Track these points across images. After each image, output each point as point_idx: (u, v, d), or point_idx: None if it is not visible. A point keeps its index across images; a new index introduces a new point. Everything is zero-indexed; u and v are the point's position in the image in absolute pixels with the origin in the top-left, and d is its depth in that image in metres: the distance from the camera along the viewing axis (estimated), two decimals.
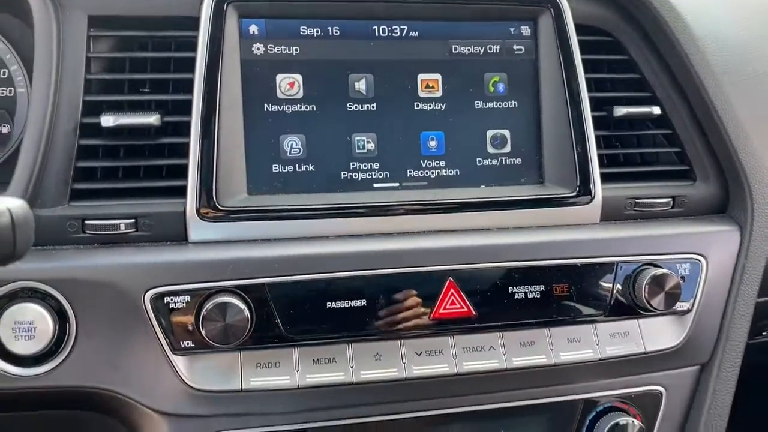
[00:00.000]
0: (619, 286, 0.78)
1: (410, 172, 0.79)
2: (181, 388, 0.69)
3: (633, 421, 0.78)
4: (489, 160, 0.80)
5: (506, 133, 0.81)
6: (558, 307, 0.76)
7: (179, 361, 0.69)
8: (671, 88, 0.85)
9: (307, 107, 0.77)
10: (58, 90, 0.71)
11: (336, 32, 0.78)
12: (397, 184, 0.78)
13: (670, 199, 0.84)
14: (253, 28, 0.76)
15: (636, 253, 0.78)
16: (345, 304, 0.72)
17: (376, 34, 0.79)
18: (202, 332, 0.67)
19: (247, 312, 0.68)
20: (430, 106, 0.79)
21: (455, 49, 0.80)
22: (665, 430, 0.82)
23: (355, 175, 0.77)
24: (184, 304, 0.68)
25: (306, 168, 0.76)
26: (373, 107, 0.78)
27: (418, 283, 0.73)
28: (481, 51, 0.81)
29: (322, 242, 0.73)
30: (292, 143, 0.76)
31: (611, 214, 0.82)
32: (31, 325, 0.66)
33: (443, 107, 0.79)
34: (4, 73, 0.82)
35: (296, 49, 0.76)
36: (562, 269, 0.76)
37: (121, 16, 0.74)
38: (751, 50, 0.87)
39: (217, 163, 0.72)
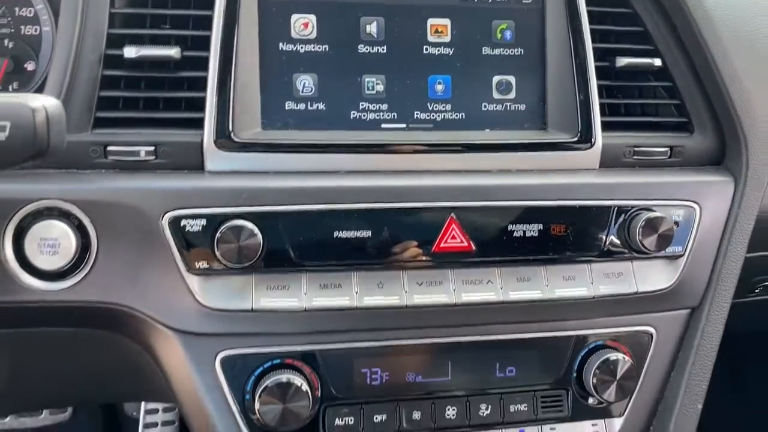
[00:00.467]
0: (614, 229, 0.81)
1: (417, 114, 0.82)
2: (195, 307, 0.73)
3: (623, 358, 0.82)
4: (494, 105, 0.84)
5: (512, 79, 0.84)
6: (554, 247, 0.80)
7: (194, 281, 0.73)
8: (673, 42, 0.87)
9: (319, 48, 0.80)
10: (83, 23, 0.75)
11: None
12: (404, 125, 0.82)
13: (667, 149, 0.87)
14: None
15: (632, 198, 0.81)
16: (351, 234, 0.75)
17: None
18: (217, 253, 0.71)
19: (259, 236, 0.72)
20: (438, 50, 0.82)
21: None
22: (654, 369, 0.86)
23: (364, 115, 0.81)
24: (200, 228, 0.72)
25: (317, 106, 0.80)
26: (383, 50, 0.81)
27: (422, 217, 0.77)
28: None
29: (331, 176, 0.77)
30: (305, 82, 0.80)
31: (610, 161, 0.85)
32: (55, 241, 0.70)
33: (451, 52, 0.82)
34: (30, 12, 0.86)
35: None
36: (560, 210, 0.80)
37: None
38: (753, 6, 0.89)
39: (234, 97, 0.76)
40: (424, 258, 0.78)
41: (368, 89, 0.81)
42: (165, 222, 0.72)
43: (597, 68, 0.84)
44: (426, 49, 0.82)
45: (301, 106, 0.79)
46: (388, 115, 0.81)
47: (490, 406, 0.82)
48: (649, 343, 0.85)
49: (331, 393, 0.78)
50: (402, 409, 0.80)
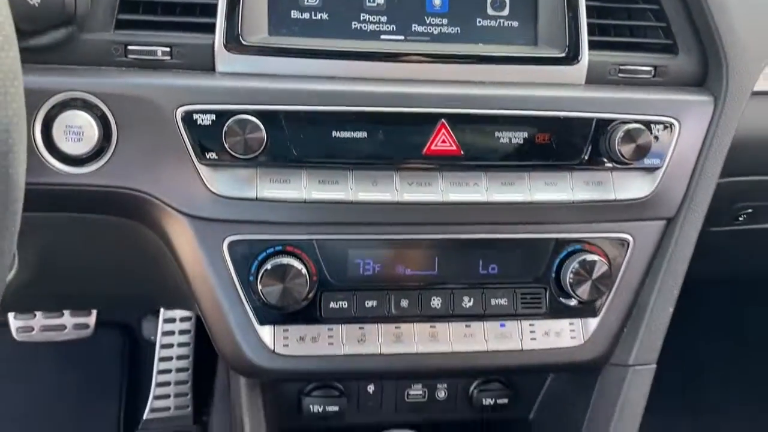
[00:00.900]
0: (595, 140, 0.87)
1: (415, 27, 0.87)
2: (205, 194, 0.80)
3: (600, 260, 0.88)
4: (488, 21, 0.89)
5: None
6: (538, 154, 0.86)
7: (204, 170, 0.80)
8: None
9: None
10: None
11: None
12: (402, 37, 0.87)
13: (651, 69, 0.92)
14: None
15: (614, 112, 0.87)
16: (348, 135, 0.82)
17: None
18: (225, 145, 0.78)
19: (264, 131, 0.78)
20: None
21: None
22: (629, 274, 0.92)
23: (365, 26, 0.86)
24: (210, 122, 0.79)
25: (321, 16, 0.85)
26: None
27: (415, 122, 0.83)
28: None
29: (331, 81, 0.83)
30: None
31: (596, 78, 0.90)
32: (79, 129, 0.78)
33: None
34: None
35: None
36: (545, 121, 0.86)
37: None
38: None
39: (243, 4, 0.82)
40: (415, 160, 0.84)
41: (369, 2, 0.86)
42: (178, 115, 0.79)
43: None
44: None
45: (306, 15, 0.85)
46: (388, 27, 0.87)
47: (472, 299, 0.89)
48: (626, 250, 0.91)
49: (327, 279, 0.85)
50: (391, 297, 0.87)
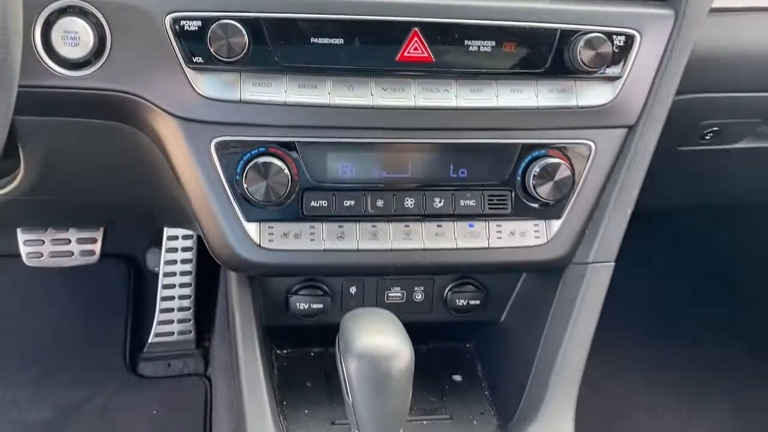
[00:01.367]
0: (559, 49, 0.92)
1: None
2: (193, 96, 0.87)
3: (563, 164, 0.95)
4: None
5: None
6: (505, 62, 0.92)
7: (191, 74, 0.86)
8: None
9: None
10: None
11: None
12: None
13: None
14: None
15: (577, 23, 0.92)
16: (326, 41, 0.88)
17: None
18: (210, 49, 0.84)
19: (245, 36, 0.84)
20: None
21: None
22: (591, 179, 0.98)
23: None
24: (196, 28, 0.85)
25: None
26: None
27: (389, 30, 0.89)
28: None
29: None
30: None
31: None
32: (76, 34, 0.84)
33: None
34: None
35: None
36: (513, 30, 0.91)
37: None
38: None
39: None
40: (389, 67, 0.90)
41: None
42: (167, 22, 0.85)
43: None
44: None
45: None
46: None
47: (443, 200, 0.96)
48: (589, 155, 0.97)
49: (308, 179, 0.92)
50: (367, 197, 0.94)
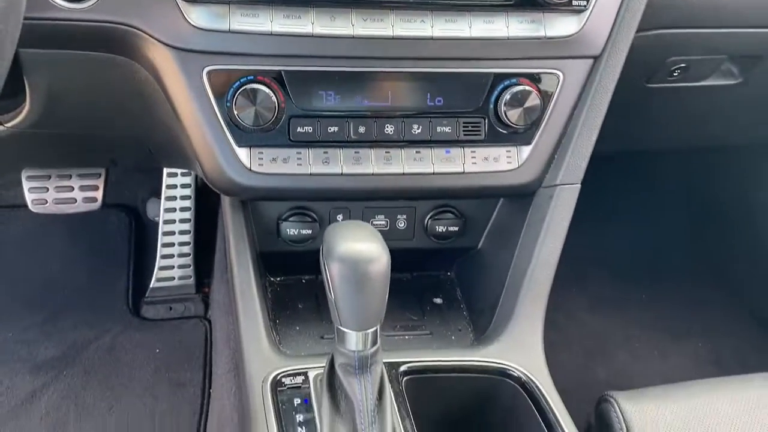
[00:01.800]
0: None
1: None
2: (185, 26, 0.93)
3: (533, 92, 1.02)
4: None
5: None
6: None
7: (184, 5, 0.93)
8: None
9: None
10: None
11: None
12: None
13: None
14: None
15: None
16: None
17: None
18: None
19: None
20: None
21: None
22: (559, 107, 1.05)
23: None
24: None
25: None
26: None
27: None
28: None
29: None
30: None
31: None
32: None
33: None
34: None
35: None
36: None
37: None
38: None
39: None
40: None
41: None
42: None
43: None
44: None
45: None
46: None
47: (420, 127, 1.03)
48: (557, 84, 1.04)
49: (294, 107, 0.99)
50: (350, 123, 1.01)
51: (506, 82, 1.03)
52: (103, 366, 1.76)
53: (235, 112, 0.97)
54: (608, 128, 1.44)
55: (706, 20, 1.15)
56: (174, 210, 1.95)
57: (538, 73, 1.03)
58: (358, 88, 1.01)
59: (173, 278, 1.97)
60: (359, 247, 0.82)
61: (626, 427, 1.06)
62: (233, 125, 0.99)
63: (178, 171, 1.95)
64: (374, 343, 0.85)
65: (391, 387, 0.96)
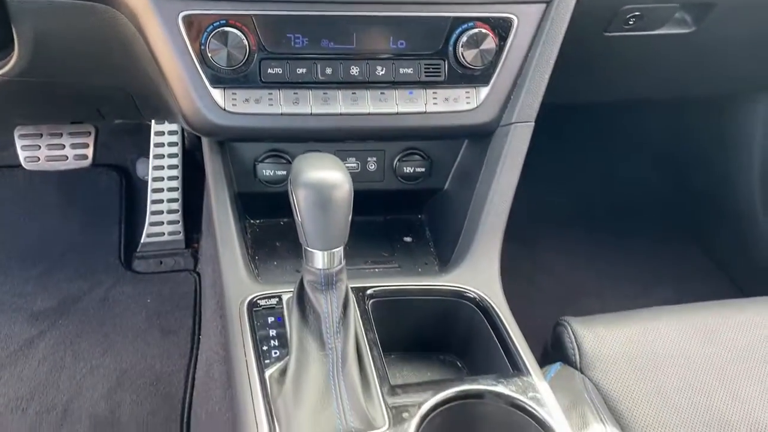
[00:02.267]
0: None
1: None
2: None
3: (489, 35, 1.09)
4: None
5: None
6: None
7: None
8: None
9: None
10: None
11: None
12: None
13: None
14: None
15: None
16: None
17: None
18: None
19: None
20: None
21: None
22: (514, 50, 1.12)
23: None
24: None
25: None
26: None
27: None
28: None
29: None
30: None
31: None
32: None
33: None
34: None
35: None
36: None
37: None
38: None
39: None
40: None
41: None
42: None
43: None
44: None
45: None
46: None
47: (384, 69, 1.10)
48: (511, 28, 1.11)
49: (264, 49, 1.06)
50: (317, 65, 1.08)
51: (464, 26, 1.10)
52: (96, 315, 1.86)
53: (209, 55, 1.04)
54: (575, 80, 1.51)
55: None
56: (162, 168, 2.03)
57: (493, 17, 1.10)
58: (325, 31, 1.08)
59: (163, 234, 2.05)
60: (323, 175, 0.89)
61: (577, 346, 1.15)
62: (207, 67, 1.06)
63: (165, 130, 2.02)
64: (339, 262, 0.93)
65: (358, 308, 1.04)
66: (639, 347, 1.17)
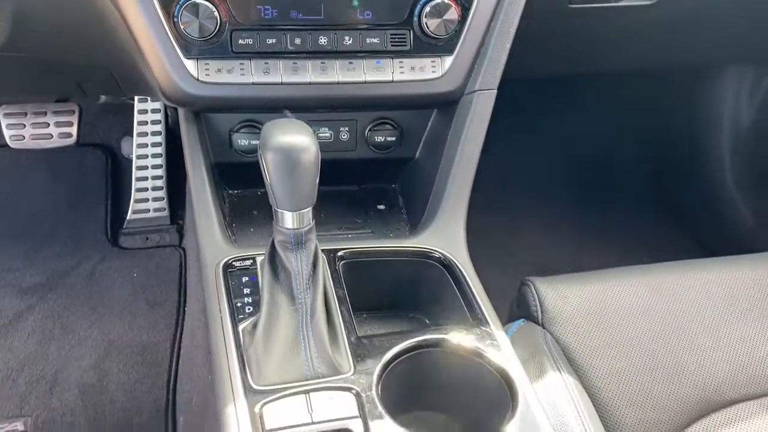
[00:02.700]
0: None
1: None
2: None
3: (452, 7, 1.13)
4: None
5: None
6: None
7: None
8: None
9: None
10: None
11: None
12: None
13: None
14: None
15: None
16: None
17: None
18: None
19: None
20: None
21: None
22: (476, 20, 1.16)
23: None
24: None
25: None
26: None
27: None
28: None
29: None
30: None
31: None
32: None
33: None
34: None
35: None
36: None
37: None
38: None
39: None
40: None
41: None
42: None
43: None
44: None
45: None
46: None
47: (351, 38, 1.14)
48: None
49: (235, 20, 1.10)
50: (287, 35, 1.13)
51: None
52: (84, 289, 1.90)
53: (182, 27, 1.08)
54: (543, 53, 1.56)
55: None
56: (146, 146, 2.07)
57: None
58: (294, 3, 1.12)
59: (148, 210, 2.10)
60: (290, 139, 0.94)
61: (540, 304, 1.20)
62: (181, 38, 1.10)
63: (149, 109, 2.06)
64: (308, 223, 0.97)
65: (329, 269, 1.09)
66: (599, 304, 1.22)
